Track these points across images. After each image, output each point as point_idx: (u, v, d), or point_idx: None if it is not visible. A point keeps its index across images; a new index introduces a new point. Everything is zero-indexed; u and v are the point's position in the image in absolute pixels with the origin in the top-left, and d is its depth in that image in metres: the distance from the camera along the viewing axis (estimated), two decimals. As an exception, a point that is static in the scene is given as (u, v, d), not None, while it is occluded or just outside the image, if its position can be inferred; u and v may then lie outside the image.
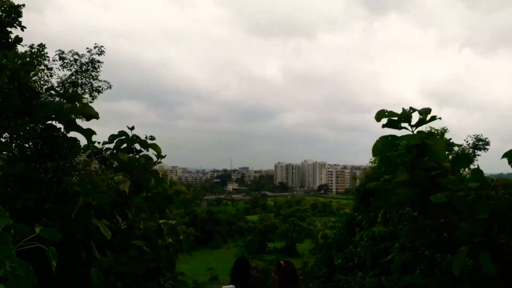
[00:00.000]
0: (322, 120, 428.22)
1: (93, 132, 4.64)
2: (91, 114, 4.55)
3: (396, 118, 3.86)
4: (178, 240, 6.14)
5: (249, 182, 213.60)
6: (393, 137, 3.91)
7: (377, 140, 3.86)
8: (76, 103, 4.57)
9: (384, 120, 3.98)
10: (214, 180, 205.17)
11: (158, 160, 5.95)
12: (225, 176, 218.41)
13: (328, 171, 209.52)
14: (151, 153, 5.72)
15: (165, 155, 5.83)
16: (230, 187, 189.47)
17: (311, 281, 17.86)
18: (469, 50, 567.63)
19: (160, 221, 5.66)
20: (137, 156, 5.45)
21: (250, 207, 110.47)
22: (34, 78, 9.25)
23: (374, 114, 3.85)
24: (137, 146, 5.45)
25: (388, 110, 3.92)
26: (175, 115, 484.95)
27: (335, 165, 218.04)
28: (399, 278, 8.18)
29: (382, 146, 3.88)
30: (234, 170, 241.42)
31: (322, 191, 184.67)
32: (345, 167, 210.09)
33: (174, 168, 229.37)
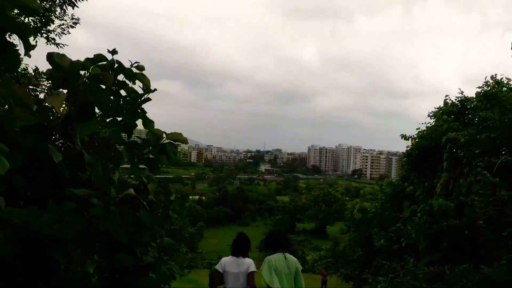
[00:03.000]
0: (358, 105, 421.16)
1: (31, 31, 2.48)
2: (31, 7, 2.46)
3: None
4: (169, 201, 4.23)
5: (281, 164, 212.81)
6: None
7: None
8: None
9: None
10: (248, 160, 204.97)
11: (146, 96, 3.70)
12: (258, 157, 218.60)
13: (363, 156, 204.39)
14: (138, 86, 3.71)
15: (155, 89, 3.66)
16: (263, 167, 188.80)
17: (342, 265, 15.26)
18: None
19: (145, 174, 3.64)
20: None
21: (281, 188, 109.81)
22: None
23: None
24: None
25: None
26: (212, 96, 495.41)
27: (371, 150, 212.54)
28: (469, 269, 5.80)
29: None
30: (267, 152, 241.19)
31: (356, 176, 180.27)
32: (381, 153, 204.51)
33: (209, 147, 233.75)
